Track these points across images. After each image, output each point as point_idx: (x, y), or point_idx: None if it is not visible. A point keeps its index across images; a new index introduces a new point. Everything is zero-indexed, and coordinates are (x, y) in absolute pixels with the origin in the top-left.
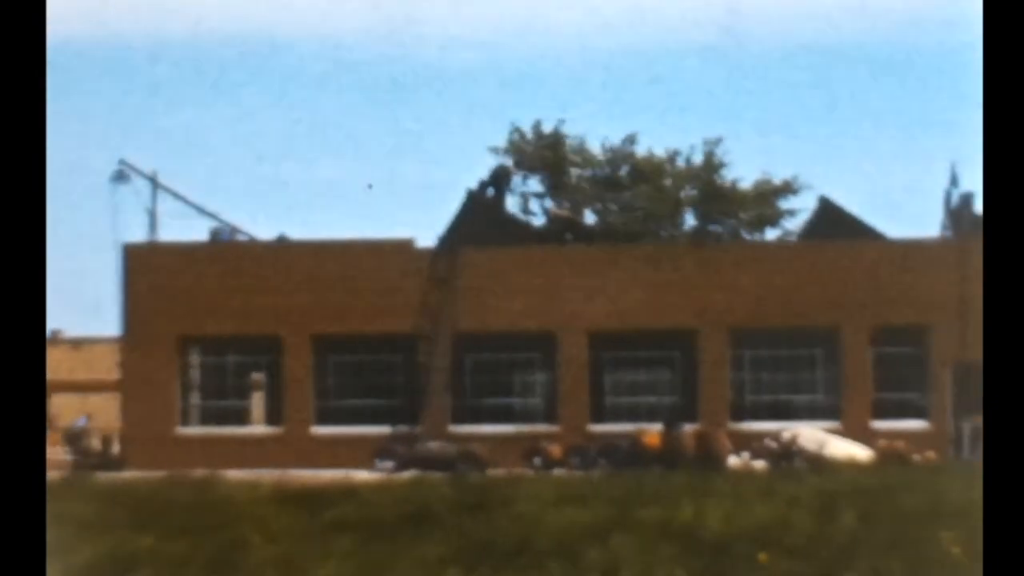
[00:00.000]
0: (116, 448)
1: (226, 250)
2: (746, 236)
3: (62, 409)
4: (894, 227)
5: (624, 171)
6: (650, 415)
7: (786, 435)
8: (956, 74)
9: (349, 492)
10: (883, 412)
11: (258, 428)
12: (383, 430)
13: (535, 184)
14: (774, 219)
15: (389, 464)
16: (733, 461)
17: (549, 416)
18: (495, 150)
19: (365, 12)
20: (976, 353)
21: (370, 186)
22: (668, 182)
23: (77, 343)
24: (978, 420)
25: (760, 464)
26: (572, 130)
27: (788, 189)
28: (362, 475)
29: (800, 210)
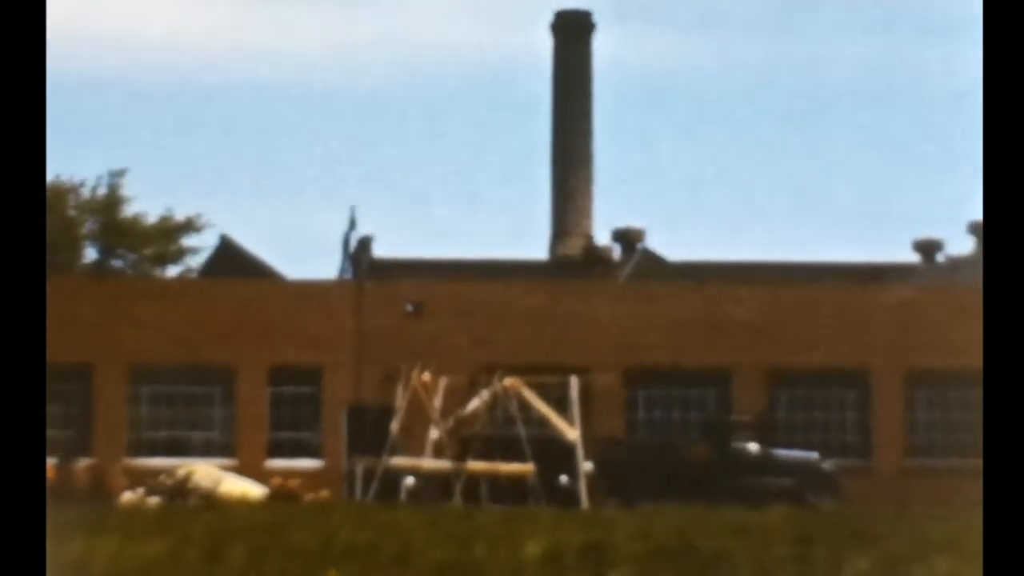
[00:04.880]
0: None
1: None
2: (149, 271)
3: None
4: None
5: None
6: (48, 448)
7: (181, 472)
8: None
9: None
10: (278, 451)
11: None
12: None
13: None
14: (177, 255)
15: None
16: (127, 497)
17: None
18: None
19: None
20: (368, 394)
21: None
22: (72, 213)
23: None
24: (370, 461)
25: (155, 500)
26: None
27: (191, 226)
28: None
29: (203, 248)
